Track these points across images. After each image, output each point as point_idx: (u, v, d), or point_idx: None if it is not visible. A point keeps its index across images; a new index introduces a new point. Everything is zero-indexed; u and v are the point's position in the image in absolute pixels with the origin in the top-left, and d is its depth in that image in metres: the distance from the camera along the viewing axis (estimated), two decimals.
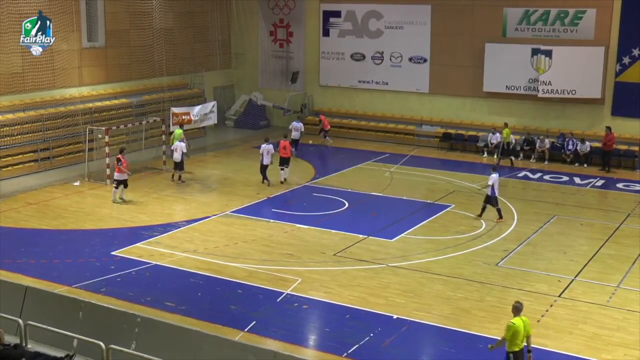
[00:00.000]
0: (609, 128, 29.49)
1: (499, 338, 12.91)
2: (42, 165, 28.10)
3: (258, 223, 22.29)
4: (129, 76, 33.08)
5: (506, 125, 31.17)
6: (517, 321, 12.42)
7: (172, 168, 26.85)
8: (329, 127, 33.63)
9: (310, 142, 33.38)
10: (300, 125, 31.78)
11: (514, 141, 30.87)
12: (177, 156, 26.31)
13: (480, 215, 22.69)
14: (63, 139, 29.02)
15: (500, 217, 22.52)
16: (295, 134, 31.29)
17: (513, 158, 30.55)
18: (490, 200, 22.59)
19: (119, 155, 23.92)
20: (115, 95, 32.37)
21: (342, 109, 36.79)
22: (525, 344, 12.59)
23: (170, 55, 33.87)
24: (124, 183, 24.07)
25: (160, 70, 32.81)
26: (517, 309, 12.59)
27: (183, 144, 26.47)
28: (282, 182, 26.62)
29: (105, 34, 31.99)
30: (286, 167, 26.78)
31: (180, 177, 26.67)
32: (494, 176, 22.51)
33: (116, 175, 24.08)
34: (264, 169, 26.52)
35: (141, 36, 32.46)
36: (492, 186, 22.42)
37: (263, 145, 26.49)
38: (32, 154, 27.98)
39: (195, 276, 18.06)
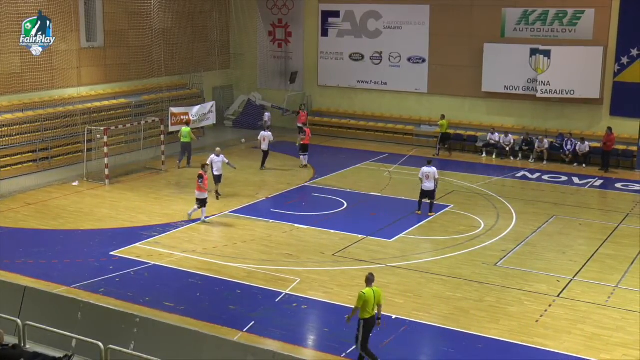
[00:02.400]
0: (610, 129, 29.51)
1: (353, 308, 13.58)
2: (41, 165, 28.08)
3: (257, 223, 22.29)
4: (128, 76, 33.07)
5: (443, 117, 32.10)
6: (368, 291, 13.36)
7: (214, 182, 24.59)
8: (303, 122, 32.95)
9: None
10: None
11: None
12: (217, 170, 24.57)
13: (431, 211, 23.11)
14: (62, 139, 29.01)
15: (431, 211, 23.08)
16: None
17: (440, 148, 32.05)
18: (427, 194, 22.98)
19: (201, 172, 22.18)
20: (114, 95, 32.36)
21: (340, 109, 36.80)
22: (376, 312, 13.58)
23: (169, 56, 33.87)
24: (204, 202, 22.11)
25: (159, 70, 32.81)
26: (368, 280, 13.55)
27: (220, 158, 24.55)
28: (303, 167, 28.80)
29: (104, 34, 31.98)
30: (306, 153, 29.02)
31: (217, 191, 24.70)
32: (426, 169, 22.91)
33: (197, 194, 22.05)
34: (264, 155, 28.75)
35: (140, 36, 32.45)
36: (423, 180, 22.93)
37: (262, 132, 28.88)
38: (30, 154, 27.97)
39: (194, 276, 18.06)
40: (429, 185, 22.91)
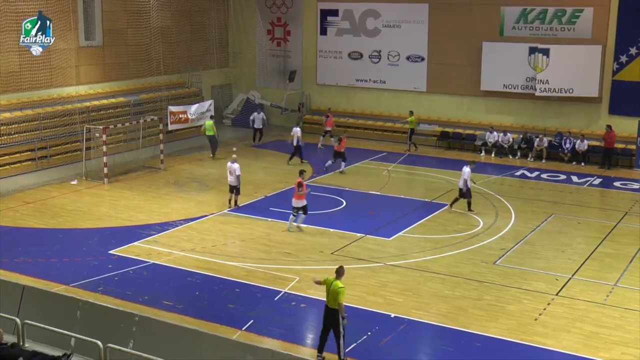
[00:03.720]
0: (609, 126, 29.54)
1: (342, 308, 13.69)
2: (40, 164, 28.07)
3: (256, 222, 22.28)
4: (127, 75, 33.06)
5: (411, 113, 32.43)
6: (329, 279, 13.87)
7: (229, 192, 23.50)
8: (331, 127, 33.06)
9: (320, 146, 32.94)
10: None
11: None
12: (232, 179, 23.17)
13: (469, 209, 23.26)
14: (60, 138, 29.00)
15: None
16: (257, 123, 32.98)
17: (411, 144, 32.40)
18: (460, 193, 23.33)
19: (300, 179, 21.29)
20: (112, 94, 32.34)
21: (339, 107, 36.78)
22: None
23: (167, 54, 33.86)
24: (303, 209, 21.22)
25: (157, 69, 32.80)
26: (339, 273, 13.95)
27: (236, 166, 23.08)
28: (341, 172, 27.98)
29: (102, 33, 31.96)
30: (340, 160, 28.19)
31: (236, 201, 23.37)
32: (466, 170, 23.09)
33: (294, 202, 21.14)
34: (297, 150, 29.10)
35: (138, 35, 32.43)
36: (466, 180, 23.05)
37: (294, 129, 29.34)
38: (29, 152, 27.96)
39: (193, 275, 18.05)
40: (460, 184, 23.16)
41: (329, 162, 28.27)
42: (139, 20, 32.27)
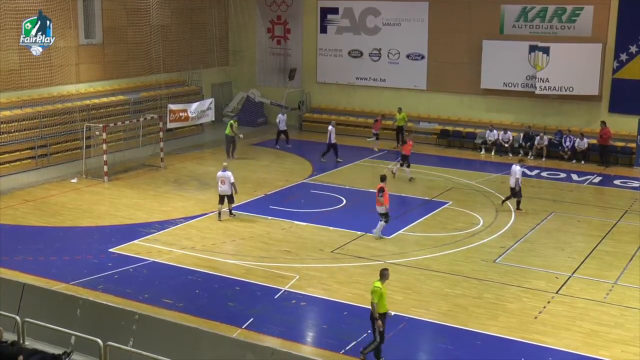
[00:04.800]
0: (603, 122, 29.59)
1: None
2: (40, 162, 28.08)
3: (256, 220, 22.28)
4: (127, 73, 33.05)
5: (400, 110, 32.65)
6: (382, 285, 13.53)
7: (218, 203, 22.24)
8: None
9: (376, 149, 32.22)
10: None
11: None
12: (225, 188, 21.99)
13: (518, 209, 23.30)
14: (60, 136, 29.02)
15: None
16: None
17: (399, 144, 31.68)
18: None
19: (382, 184, 20.35)
20: (112, 92, 32.34)
21: (339, 106, 36.78)
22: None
23: (167, 52, 33.83)
24: (385, 216, 20.54)
25: (157, 67, 32.77)
26: (382, 275, 13.70)
27: (229, 174, 22.06)
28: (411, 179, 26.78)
29: (102, 31, 31.95)
30: (404, 163, 26.94)
31: (231, 210, 22.39)
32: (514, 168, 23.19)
33: (379, 209, 20.38)
34: (331, 148, 29.06)
35: (138, 33, 32.40)
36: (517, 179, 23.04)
37: (329, 127, 29.24)
38: (29, 151, 27.96)
39: (193, 273, 18.06)
40: (512, 183, 23.16)
41: (396, 167, 27.21)
42: (139, 18, 32.24)
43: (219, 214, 22.12)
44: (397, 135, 32.76)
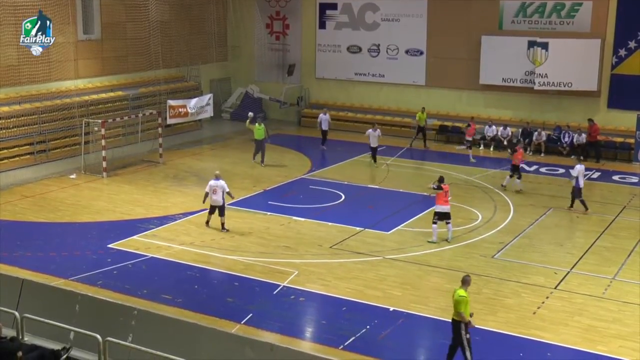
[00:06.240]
0: (591, 120, 29.68)
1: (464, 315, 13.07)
2: (39, 158, 28.06)
3: (255, 216, 22.29)
4: (125, 69, 33.03)
5: (423, 110, 31.87)
6: (466, 292, 13.07)
7: (208, 212, 20.96)
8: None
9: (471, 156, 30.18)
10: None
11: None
12: (218, 199, 20.58)
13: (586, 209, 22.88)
14: (59, 131, 28.99)
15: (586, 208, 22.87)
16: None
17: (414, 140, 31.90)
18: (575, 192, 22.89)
19: (444, 185, 19.88)
20: (111, 87, 32.32)
21: (338, 101, 36.78)
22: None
23: (166, 48, 33.79)
24: (447, 216, 19.90)
25: (156, 62, 32.72)
26: (464, 282, 13.25)
27: (223, 182, 20.67)
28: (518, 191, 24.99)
29: (101, 27, 31.91)
30: (514, 174, 25.13)
31: (223, 224, 20.71)
32: (579, 167, 22.80)
33: (438, 208, 19.88)
34: (372, 151, 28.28)
35: (137, 29, 32.34)
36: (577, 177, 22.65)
37: (369, 131, 28.39)
38: (28, 146, 27.95)
39: (191, 269, 18.07)
40: (581, 183, 22.80)
41: (507, 178, 25.40)
42: (138, 14, 32.18)
43: (207, 222, 20.89)
44: (416, 135, 32.03)
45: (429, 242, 19.94)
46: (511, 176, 25.19)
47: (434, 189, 20.06)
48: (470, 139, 30.34)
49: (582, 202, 22.86)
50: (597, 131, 29.74)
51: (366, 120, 35.05)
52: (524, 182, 25.40)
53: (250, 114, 29.81)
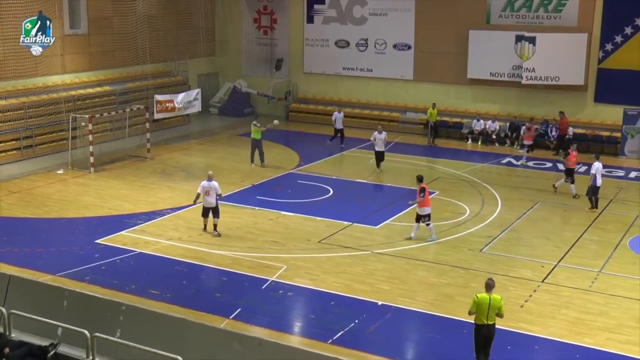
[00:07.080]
0: (562, 112, 29.96)
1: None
2: (25, 153, 27.91)
3: (243, 210, 22.28)
4: (112, 64, 32.87)
5: (434, 106, 31.69)
6: (482, 297, 12.80)
7: (202, 215, 20.35)
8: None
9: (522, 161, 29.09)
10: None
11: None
12: (211, 200, 19.98)
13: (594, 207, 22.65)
14: (46, 127, 28.84)
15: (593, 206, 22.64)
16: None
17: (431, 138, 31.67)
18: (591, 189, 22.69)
19: (423, 185, 19.65)
20: (98, 82, 32.17)
21: (326, 96, 36.76)
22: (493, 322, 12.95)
23: (153, 43, 33.61)
24: (427, 217, 19.63)
25: (143, 57, 32.57)
26: (488, 286, 12.94)
27: (216, 184, 19.99)
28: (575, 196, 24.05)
29: (87, 21, 31.72)
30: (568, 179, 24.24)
31: (216, 226, 20.09)
32: (597, 165, 22.62)
33: (426, 210, 19.49)
34: (378, 155, 26.86)
35: (124, 23, 32.17)
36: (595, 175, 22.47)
37: (375, 134, 26.91)
38: (14, 142, 27.78)
39: (179, 264, 18.05)
40: (599, 182, 22.60)
41: (560, 181, 24.61)
42: (125, 8, 32.01)
43: (205, 226, 20.25)
44: (430, 132, 31.84)
45: (406, 239, 19.74)
46: (565, 180, 24.28)
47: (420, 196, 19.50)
48: (531, 142, 29.17)
49: (591, 199, 22.66)
50: (565, 124, 29.90)
51: (354, 115, 35.06)
52: (510, 175, 25.44)
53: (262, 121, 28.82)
